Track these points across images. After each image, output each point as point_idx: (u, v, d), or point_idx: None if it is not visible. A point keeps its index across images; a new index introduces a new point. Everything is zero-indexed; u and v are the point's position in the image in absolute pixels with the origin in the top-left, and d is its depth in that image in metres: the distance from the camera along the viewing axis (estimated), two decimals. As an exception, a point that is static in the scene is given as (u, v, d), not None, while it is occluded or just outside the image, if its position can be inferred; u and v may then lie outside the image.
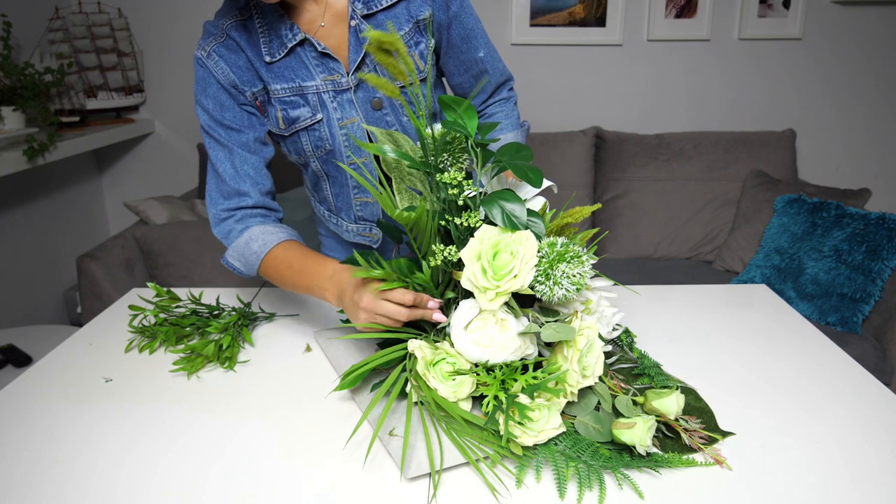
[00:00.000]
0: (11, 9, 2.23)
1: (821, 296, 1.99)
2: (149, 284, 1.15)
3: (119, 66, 2.57)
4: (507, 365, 0.81)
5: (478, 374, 0.82)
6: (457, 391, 0.81)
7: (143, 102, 2.74)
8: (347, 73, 1.04)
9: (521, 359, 0.83)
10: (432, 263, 0.83)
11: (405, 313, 0.84)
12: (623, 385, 0.89)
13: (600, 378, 0.87)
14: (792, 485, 0.75)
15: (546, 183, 0.87)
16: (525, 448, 0.79)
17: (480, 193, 0.85)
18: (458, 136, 0.86)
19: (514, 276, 0.78)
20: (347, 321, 1.06)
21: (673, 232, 2.47)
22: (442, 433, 0.82)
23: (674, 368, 0.99)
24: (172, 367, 1.02)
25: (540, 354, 0.86)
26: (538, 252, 0.80)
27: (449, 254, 0.82)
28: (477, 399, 0.86)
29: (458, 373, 0.81)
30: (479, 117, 1.22)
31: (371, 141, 1.10)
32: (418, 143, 0.92)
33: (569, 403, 0.84)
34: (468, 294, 0.86)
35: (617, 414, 0.83)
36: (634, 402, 0.84)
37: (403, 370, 0.86)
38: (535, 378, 0.79)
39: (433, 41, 1.08)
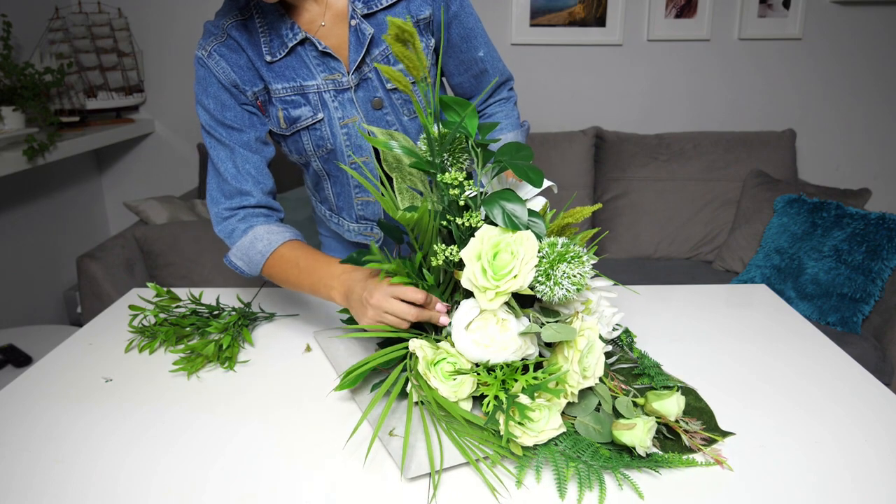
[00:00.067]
0: (11, 9, 2.23)
1: (821, 296, 1.99)
2: (149, 284, 1.15)
3: (119, 66, 2.57)
4: (507, 365, 0.81)
5: (478, 374, 0.82)
6: (457, 391, 0.81)
7: (143, 102, 2.74)
8: (348, 73, 1.04)
9: (522, 359, 0.83)
10: (434, 263, 0.83)
11: (414, 313, 0.84)
12: (623, 386, 0.89)
13: (601, 379, 0.87)
14: (792, 485, 0.75)
15: (546, 183, 0.87)
16: (525, 448, 0.79)
17: (481, 193, 0.85)
18: (459, 135, 0.86)
19: (514, 277, 0.78)
20: (348, 321, 1.06)
21: (673, 232, 2.47)
22: (442, 433, 0.82)
23: (674, 368, 0.99)
24: (172, 367, 1.02)
25: (541, 355, 0.86)
26: (539, 252, 0.81)
27: (450, 254, 0.82)
28: (477, 399, 0.86)
29: (459, 373, 0.81)
30: (479, 117, 1.22)
31: (371, 141, 1.10)
32: (419, 143, 0.92)
33: (569, 404, 0.84)
34: (469, 294, 0.86)
35: (617, 415, 0.83)
36: (635, 404, 0.84)
37: (404, 370, 0.86)
38: (535, 378, 0.79)
39: (434, 40, 1.08)
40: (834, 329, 1.95)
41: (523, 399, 0.77)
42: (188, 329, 1.10)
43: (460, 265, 0.85)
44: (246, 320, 1.13)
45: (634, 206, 2.50)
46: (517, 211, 0.81)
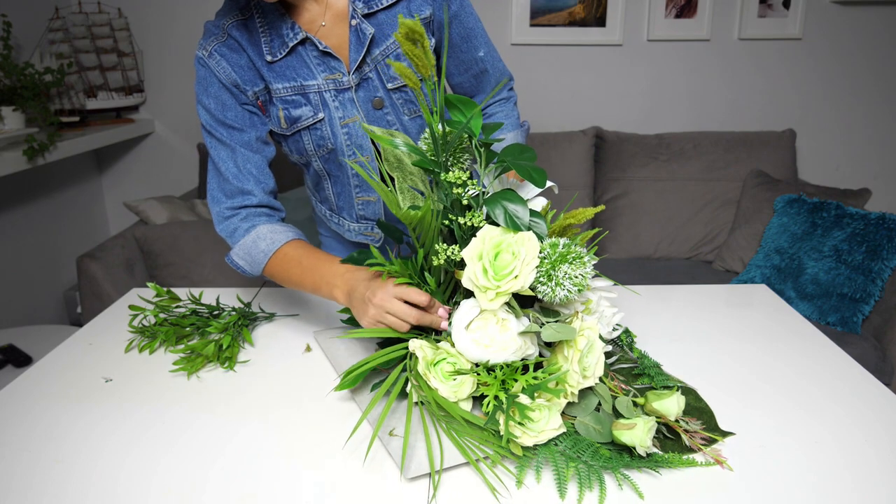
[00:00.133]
0: (11, 9, 2.23)
1: (821, 296, 1.99)
2: (149, 284, 1.15)
3: (119, 66, 2.57)
4: (507, 365, 0.81)
5: (478, 374, 0.82)
6: (457, 391, 0.81)
7: (143, 102, 2.74)
8: (348, 73, 1.04)
9: (522, 359, 0.83)
10: (435, 263, 0.83)
11: (415, 316, 0.84)
12: (623, 386, 0.89)
13: (601, 379, 0.87)
14: (792, 485, 0.75)
15: (548, 183, 0.87)
16: (525, 448, 0.79)
17: (482, 193, 0.85)
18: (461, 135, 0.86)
19: (515, 277, 0.78)
20: (348, 321, 1.06)
21: (673, 232, 2.47)
22: (442, 433, 0.82)
23: (674, 368, 0.99)
24: (172, 367, 1.02)
25: (541, 355, 0.86)
26: (540, 253, 0.81)
27: (452, 253, 0.82)
28: (477, 399, 0.86)
29: (459, 373, 0.81)
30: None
31: (372, 142, 1.10)
32: (419, 142, 0.92)
33: (569, 404, 0.84)
34: (469, 294, 0.86)
35: (617, 415, 0.83)
36: (635, 404, 0.84)
37: (403, 370, 0.86)
38: (535, 378, 0.79)
39: (434, 40, 1.08)
40: (834, 329, 1.95)
41: (523, 399, 0.77)
42: (188, 329, 1.10)
43: (461, 265, 0.85)
44: (246, 320, 1.13)
45: (634, 206, 2.50)
46: (519, 211, 0.81)
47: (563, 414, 0.83)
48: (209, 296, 1.27)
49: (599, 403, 0.85)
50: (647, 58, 2.69)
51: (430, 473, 0.76)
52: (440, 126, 0.85)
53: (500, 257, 0.79)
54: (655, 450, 0.80)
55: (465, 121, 0.84)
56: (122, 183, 2.85)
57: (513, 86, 1.23)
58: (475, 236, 0.81)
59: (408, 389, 0.86)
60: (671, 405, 0.80)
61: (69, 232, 2.62)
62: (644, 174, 2.51)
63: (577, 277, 0.80)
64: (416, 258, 0.88)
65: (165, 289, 1.17)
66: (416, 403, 0.86)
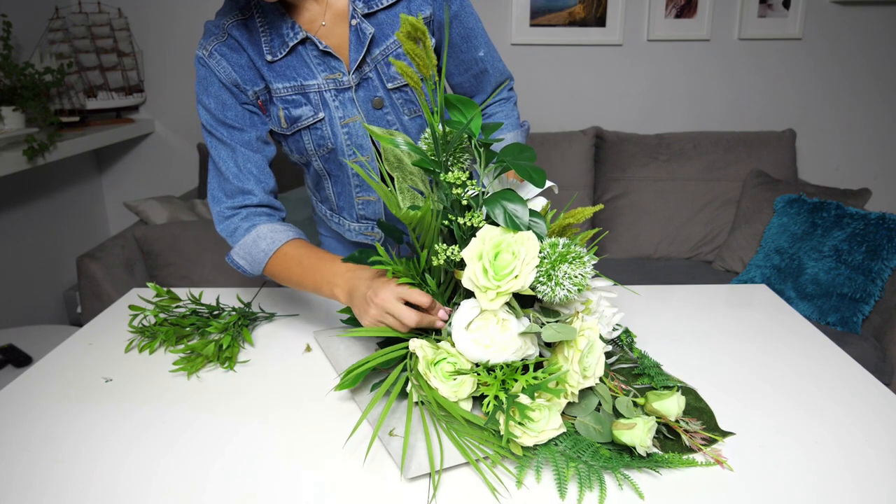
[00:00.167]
0: (11, 9, 2.23)
1: (821, 296, 1.99)
2: (149, 284, 1.15)
3: (119, 66, 2.57)
4: (507, 365, 0.81)
5: (478, 374, 0.82)
6: (457, 391, 0.81)
7: (143, 102, 2.74)
8: (349, 72, 1.04)
9: (522, 359, 0.83)
10: (435, 263, 0.83)
11: (415, 319, 0.84)
12: (623, 386, 0.89)
13: (601, 379, 0.87)
14: (792, 485, 0.75)
15: (547, 183, 0.87)
16: (525, 448, 0.79)
17: (482, 193, 0.85)
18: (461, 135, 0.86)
19: (515, 277, 0.78)
20: (348, 321, 1.06)
21: (673, 232, 2.47)
22: (442, 433, 0.82)
23: (674, 368, 0.99)
24: (172, 367, 1.02)
25: (541, 355, 0.86)
26: (540, 253, 0.81)
27: (452, 253, 0.82)
28: (477, 399, 0.86)
29: (459, 372, 0.81)
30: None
31: (372, 141, 1.10)
32: (419, 142, 0.92)
33: (569, 404, 0.84)
34: (469, 294, 0.86)
35: (617, 415, 0.83)
36: (635, 404, 0.84)
37: (404, 370, 0.86)
38: (535, 378, 0.79)
39: (434, 40, 1.08)
40: (834, 329, 1.95)
41: (523, 399, 0.77)
42: (188, 329, 1.10)
43: (461, 265, 0.85)
44: (246, 320, 1.13)
45: (634, 206, 2.50)
46: (518, 211, 0.81)
47: (563, 414, 0.83)
48: (209, 296, 1.27)
49: (599, 403, 0.85)
50: (647, 58, 2.69)
51: (430, 473, 0.76)
52: (440, 126, 0.85)
53: (500, 257, 0.79)
54: (655, 450, 0.80)
55: (465, 121, 0.84)
56: (122, 183, 2.85)
57: (513, 86, 1.23)
58: (475, 236, 0.81)
59: (408, 389, 0.86)
60: (671, 405, 0.80)
61: (69, 232, 2.62)
62: (644, 174, 2.51)
63: (576, 277, 0.80)
64: (418, 260, 0.88)
65: (165, 289, 1.17)
66: (416, 403, 0.86)
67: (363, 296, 0.88)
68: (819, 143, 2.79)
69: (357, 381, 0.87)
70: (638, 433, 0.76)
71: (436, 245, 0.84)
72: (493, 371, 0.81)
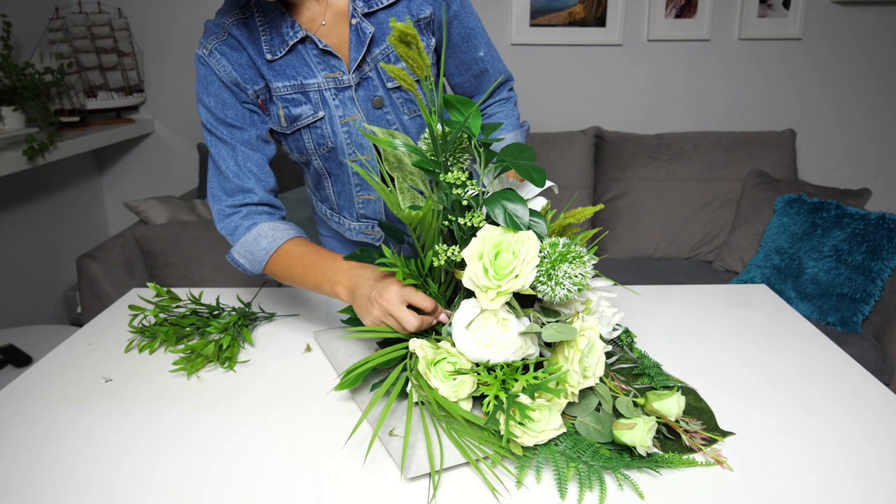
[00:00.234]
0: (11, 9, 2.23)
1: (821, 296, 1.99)
2: (149, 284, 1.15)
3: (119, 66, 2.57)
4: (508, 365, 0.81)
5: (479, 374, 0.82)
6: (458, 391, 0.81)
7: (143, 102, 2.74)
8: (349, 71, 1.04)
9: (522, 359, 0.83)
10: (435, 263, 0.83)
11: (416, 324, 0.84)
12: (624, 386, 0.89)
13: (601, 379, 0.87)
14: (792, 485, 0.75)
15: (547, 183, 0.87)
16: (525, 448, 0.79)
17: (482, 193, 0.85)
18: (461, 135, 0.86)
19: (516, 277, 0.78)
20: (348, 321, 1.06)
21: (673, 232, 2.47)
22: (442, 433, 0.82)
23: (674, 368, 0.99)
24: (172, 367, 1.02)
25: (541, 355, 0.86)
26: (540, 252, 0.81)
27: (452, 253, 0.82)
28: (477, 399, 0.86)
29: (459, 372, 0.81)
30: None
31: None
32: (419, 142, 0.92)
33: (569, 404, 0.84)
34: (470, 294, 0.86)
35: (617, 415, 0.83)
36: (635, 404, 0.84)
37: (404, 370, 0.86)
38: (535, 378, 0.79)
39: (434, 40, 1.08)
40: (834, 329, 1.95)
41: (523, 399, 0.77)
42: (188, 329, 1.10)
43: (461, 265, 0.85)
44: (246, 320, 1.13)
45: (634, 206, 2.50)
46: (519, 211, 0.81)
47: (563, 414, 0.83)
48: (209, 296, 1.27)
49: (600, 403, 0.85)
50: (647, 58, 2.69)
51: (430, 473, 0.76)
52: (439, 126, 0.85)
53: (500, 257, 0.79)
54: (655, 450, 0.80)
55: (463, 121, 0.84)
56: (122, 183, 2.85)
57: (513, 86, 1.23)
58: (475, 236, 0.81)
59: (408, 389, 0.86)
60: (671, 405, 0.80)
61: (69, 232, 2.62)
62: (644, 174, 2.51)
63: (577, 277, 0.80)
64: (421, 262, 0.88)
65: (165, 289, 1.16)
66: (416, 403, 0.86)
67: (366, 295, 0.88)
68: (819, 143, 2.79)
69: (357, 381, 0.87)
70: (638, 433, 0.76)
71: (436, 245, 0.84)
72: (494, 371, 0.81)
